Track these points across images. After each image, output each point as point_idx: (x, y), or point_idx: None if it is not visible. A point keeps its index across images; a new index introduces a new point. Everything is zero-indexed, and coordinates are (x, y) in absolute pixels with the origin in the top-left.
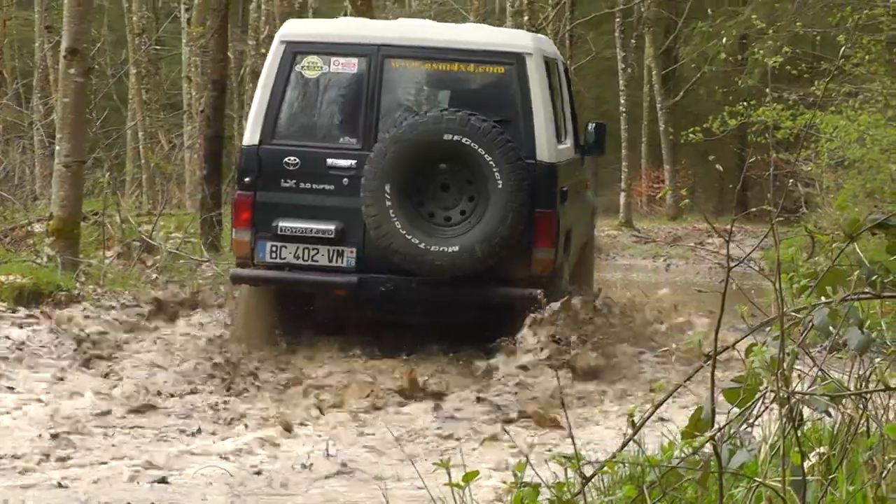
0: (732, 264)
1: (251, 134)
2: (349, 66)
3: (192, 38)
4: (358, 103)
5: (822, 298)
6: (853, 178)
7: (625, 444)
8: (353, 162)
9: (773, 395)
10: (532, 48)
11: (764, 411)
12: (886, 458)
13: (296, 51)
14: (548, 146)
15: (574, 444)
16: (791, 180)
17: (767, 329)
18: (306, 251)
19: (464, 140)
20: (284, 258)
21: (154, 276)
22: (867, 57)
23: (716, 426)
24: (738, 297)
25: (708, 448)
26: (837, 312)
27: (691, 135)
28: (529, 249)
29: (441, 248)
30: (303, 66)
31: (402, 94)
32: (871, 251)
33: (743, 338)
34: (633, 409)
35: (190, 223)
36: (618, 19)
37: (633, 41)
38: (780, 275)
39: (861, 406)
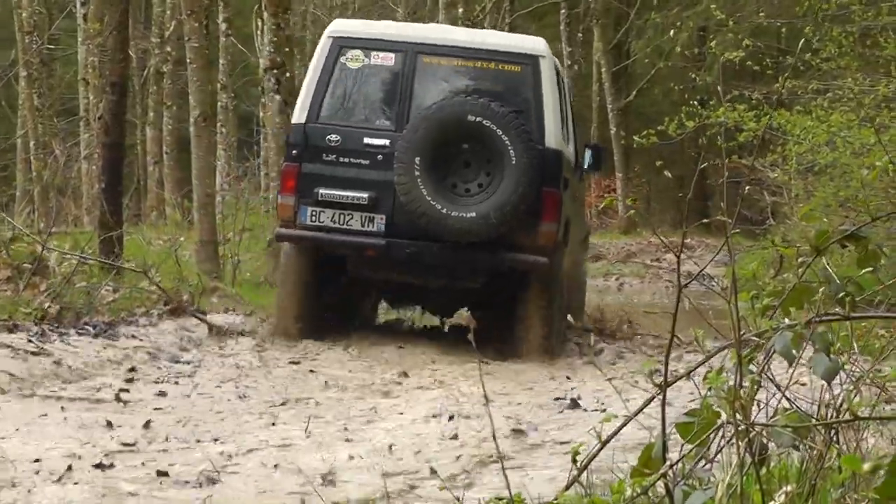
0: (684, 282)
1: (300, 113)
2: (387, 59)
3: (88, 35)
4: (393, 92)
5: (787, 320)
6: (825, 186)
7: (569, 486)
8: (387, 141)
9: (732, 427)
10: (545, 52)
11: (724, 446)
12: (859, 495)
13: (341, 45)
14: (555, 135)
15: (509, 488)
16: (756, 188)
17: (726, 354)
18: (342, 216)
19: (484, 122)
20: (323, 222)
21: (46, 304)
22: (837, 50)
23: (668, 463)
24: (699, 318)
25: (661, 487)
26: (802, 336)
27: (645, 139)
28: (536, 223)
29: (460, 214)
30: (347, 59)
31: (431, 86)
32: (845, 266)
33: (698, 365)
34: (576, 448)
35: (87, 242)
36: (563, 10)
37: (579, 35)
38: (735, 293)
39: (830, 439)
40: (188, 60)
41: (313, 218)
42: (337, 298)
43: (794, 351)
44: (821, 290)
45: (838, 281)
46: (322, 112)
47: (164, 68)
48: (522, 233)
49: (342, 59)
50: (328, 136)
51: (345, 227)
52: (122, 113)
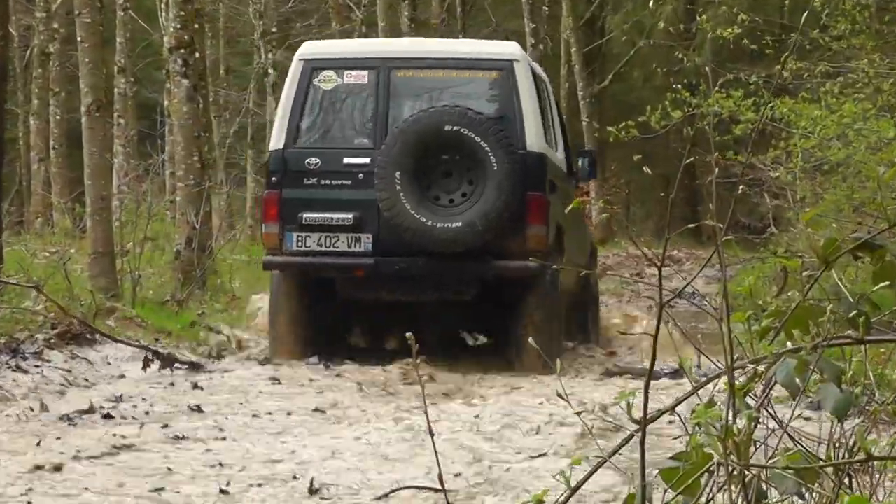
0: (667, 298)
1: (276, 139)
2: (361, 77)
3: None
4: (369, 109)
5: (790, 344)
6: (836, 187)
7: None
8: (367, 159)
9: (725, 471)
10: (519, 56)
11: (716, 493)
12: None
13: (313, 66)
14: (536, 138)
15: None
16: (754, 190)
17: (718, 385)
18: (328, 239)
19: (462, 130)
20: (309, 246)
21: None
22: (851, 27)
23: None
24: (687, 343)
25: None
26: (807, 363)
27: (622, 131)
28: (523, 227)
29: (446, 225)
30: (320, 80)
31: (407, 100)
32: (860, 281)
33: (685, 398)
34: (540, 496)
35: None
36: None
37: (545, 8)
38: (728, 313)
39: (840, 483)
40: (79, 39)
41: (299, 243)
42: (330, 321)
43: (798, 381)
44: (830, 309)
45: (851, 298)
46: (299, 136)
47: (51, 48)
48: (510, 239)
49: (315, 81)
50: (307, 160)
51: (332, 249)
52: (2, 100)
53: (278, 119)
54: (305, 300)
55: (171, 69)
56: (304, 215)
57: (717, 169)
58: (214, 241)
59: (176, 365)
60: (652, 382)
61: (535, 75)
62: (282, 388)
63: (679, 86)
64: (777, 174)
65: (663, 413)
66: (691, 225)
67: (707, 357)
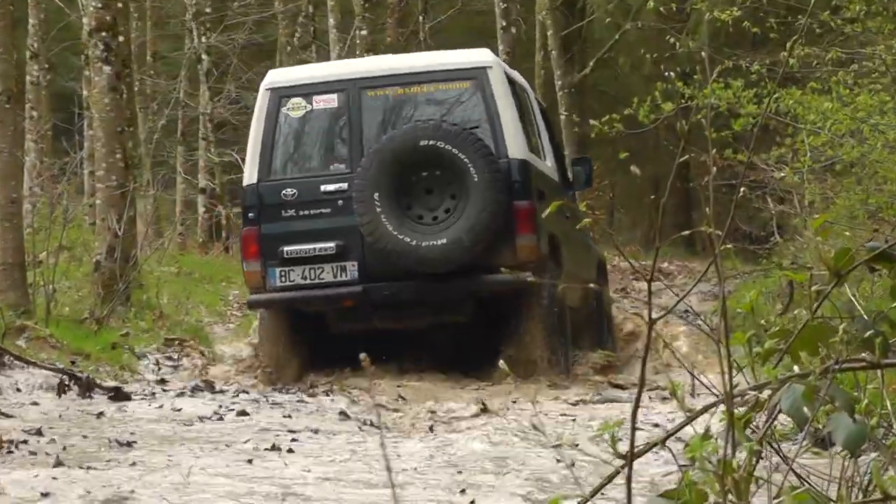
0: (656, 316)
1: (249, 174)
2: (330, 101)
3: None
4: (342, 133)
5: (797, 368)
6: (849, 190)
7: None
8: (345, 185)
9: None
10: (492, 62)
11: None
12: None
13: (281, 95)
14: (518, 145)
15: None
16: (756, 193)
17: (715, 414)
18: (312, 271)
19: (438, 144)
20: (293, 280)
21: None
22: (865, 8)
23: None
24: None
25: None
26: (817, 389)
27: (606, 126)
28: (512, 238)
29: (431, 243)
30: (289, 108)
31: (379, 119)
32: (878, 298)
33: (676, 429)
34: None
35: None
36: None
37: None
38: (727, 333)
39: None
40: None
41: (283, 278)
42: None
43: (805, 410)
44: (842, 328)
45: (866, 316)
46: (273, 167)
47: None
48: (499, 252)
49: (284, 110)
50: (283, 192)
51: (317, 281)
52: None
53: (249, 153)
54: (294, 335)
55: (91, 54)
56: (286, 249)
57: (713, 169)
58: (139, 251)
59: (98, 391)
60: (641, 412)
61: (511, 81)
62: (221, 425)
63: (671, 74)
64: (782, 175)
65: (652, 447)
66: (684, 233)
67: (702, 383)
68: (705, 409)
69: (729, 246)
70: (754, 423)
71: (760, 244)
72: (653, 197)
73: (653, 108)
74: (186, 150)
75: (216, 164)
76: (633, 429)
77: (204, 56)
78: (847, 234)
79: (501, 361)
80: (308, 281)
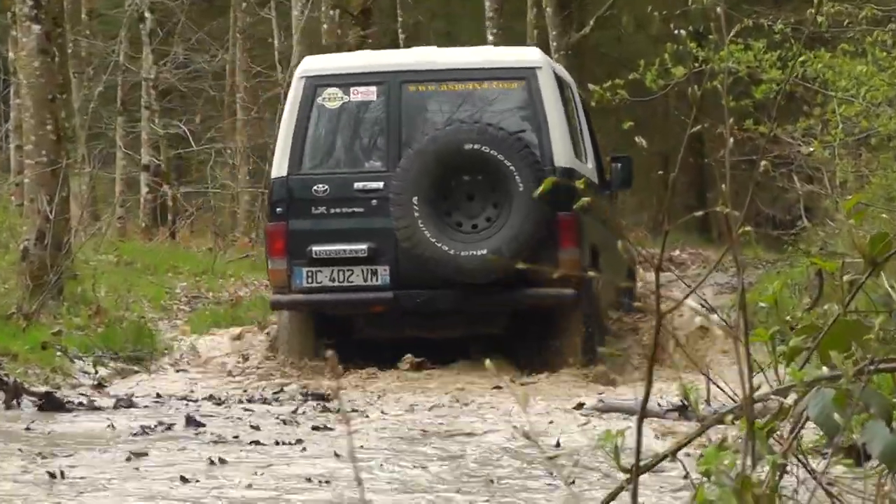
0: (665, 309)
1: (279, 166)
2: (368, 94)
3: None
4: (380, 128)
5: (826, 369)
6: (887, 167)
7: None
8: (380, 184)
9: None
10: (542, 62)
11: None
12: None
13: (316, 84)
14: (565, 152)
15: None
16: (781, 171)
17: (731, 424)
18: (341, 273)
19: (483, 148)
20: (321, 282)
21: None
22: None
23: None
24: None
25: None
26: (849, 394)
27: (608, 92)
28: (555, 252)
29: (470, 253)
30: (324, 98)
31: (420, 117)
32: None
33: (689, 440)
34: None
35: None
36: None
37: None
38: (745, 331)
39: None
40: None
41: (310, 279)
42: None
43: (836, 417)
44: (878, 323)
45: None
46: (304, 161)
47: None
48: (541, 265)
49: (319, 100)
50: (314, 187)
51: (346, 284)
52: None
53: (280, 143)
54: (317, 339)
55: (18, 12)
56: (314, 248)
57: (730, 142)
58: (73, 237)
59: (27, 398)
60: (649, 420)
61: (559, 81)
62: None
63: (682, 34)
64: (810, 150)
65: (661, 459)
66: (696, 213)
67: (718, 386)
68: (720, 417)
69: (748, 229)
70: (778, 433)
71: (785, 229)
72: (660, 172)
73: (661, 73)
74: (127, 122)
75: (161, 136)
76: (639, 438)
77: (147, 14)
78: (884, 216)
79: (488, 361)
80: (336, 283)
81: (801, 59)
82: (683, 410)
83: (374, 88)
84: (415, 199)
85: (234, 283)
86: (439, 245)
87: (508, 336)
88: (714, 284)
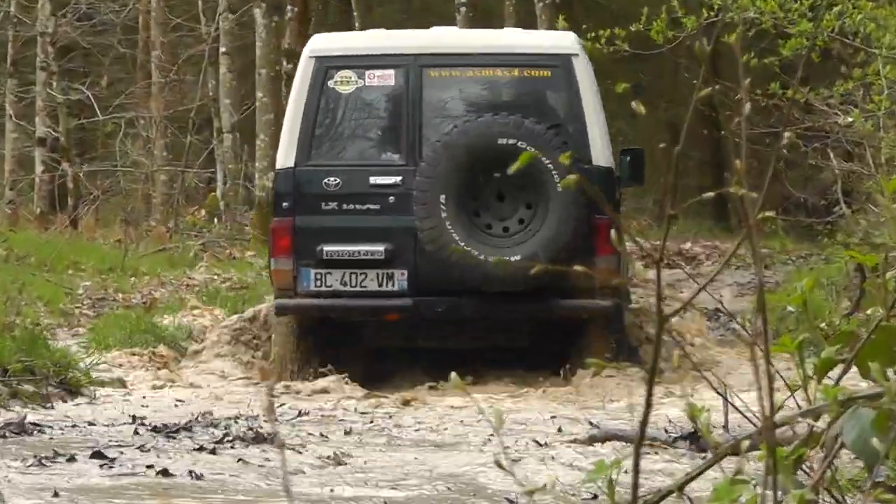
0: (668, 311)
1: (285, 156)
2: (386, 78)
3: None
4: (398, 117)
5: (866, 385)
6: None
7: None
8: (398, 178)
9: None
10: (578, 49)
11: None
12: None
13: (328, 65)
14: (603, 149)
15: None
16: (813, 146)
17: (749, 453)
18: (354, 276)
19: (519, 143)
20: (330, 285)
21: None
22: None
23: None
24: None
25: None
26: (891, 416)
27: (605, 47)
28: (592, 259)
29: (502, 259)
30: (336, 82)
31: (443, 105)
32: None
33: (700, 471)
34: None
35: None
36: None
37: None
38: (766, 339)
39: None
40: None
41: (318, 282)
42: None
43: (877, 443)
44: None
45: None
46: (313, 151)
47: None
48: (574, 273)
49: (330, 83)
50: (325, 180)
51: (359, 289)
52: None
53: (286, 131)
54: (319, 347)
55: None
56: (325, 248)
57: (747, 107)
58: None
59: None
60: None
61: (595, 70)
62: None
63: None
64: (849, 120)
65: (665, 496)
66: (706, 195)
67: (734, 406)
68: (736, 444)
69: (769, 214)
70: (807, 463)
71: (819, 216)
72: (662, 146)
73: (669, 24)
74: (19, 86)
75: (60, 104)
76: (636, 470)
77: None
78: None
79: (453, 374)
80: (348, 288)
81: (836, 8)
82: (695, 437)
83: (391, 72)
84: (442, 198)
85: (149, 282)
86: (468, 249)
87: (530, 349)
88: (734, 284)
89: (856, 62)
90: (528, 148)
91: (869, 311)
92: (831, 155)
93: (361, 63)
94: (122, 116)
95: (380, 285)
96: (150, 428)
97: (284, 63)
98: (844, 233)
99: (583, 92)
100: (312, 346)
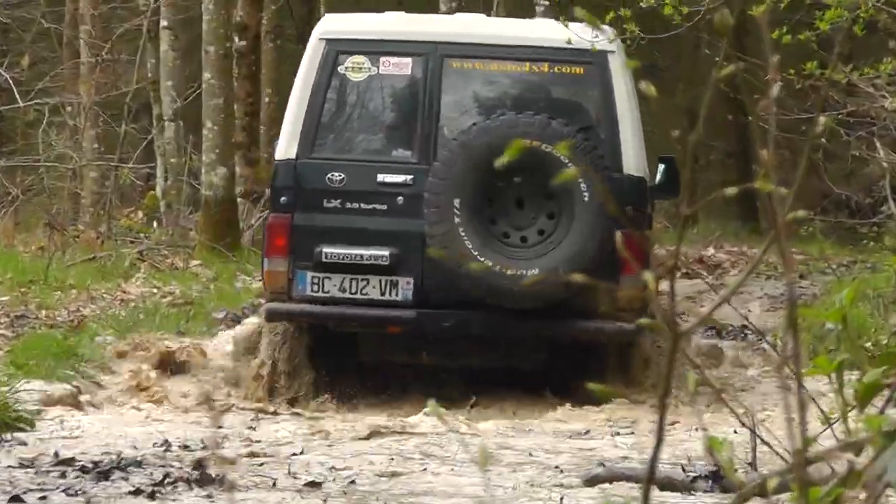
0: (684, 328)
1: (286, 147)
2: (402, 67)
3: None
4: (413, 110)
5: None
6: None
7: None
8: (409, 178)
9: None
10: (615, 46)
11: None
12: None
13: (339, 49)
14: (636, 158)
15: None
16: (855, 135)
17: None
18: (354, 283)
19: (544, 147)
20: (328, 291)
21: None
22: None
23: None
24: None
25: None
26: None
27: (612, 26)
28: (616, 278)
29: (519, 272)
30: (347, 68)
31: (464, 100)
32: None
33: None
34: None
35: None
36: None
37: None
38: (798, 361)
39: None
40: None
41: (315, 287)
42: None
43: None
44: None
45: None
46: (318, 142)
47: None
48: (598, 292)
49: (341, 69)
50: (329, 175)
51: (359, 296)
52: None
53: (289, 119)
54: (310, 359)
55: None
56: (324, 249)
57: (776, 88)
58: None
59: None
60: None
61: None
62: None
63: None
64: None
65: None
66: (727, 191)
67: (762, 440)
68: (762, 483)
69: (803, 213)
70: None
71: (864, 217)
72: (676, 133)
73: None
74: None
75: None
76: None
77: None
78: None
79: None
80: (347, 294)
81: None
82: (717, 476)
83: (409, 60)
84: (456, 202)
85: (77, 297)
86: (483, 259)
87: (543, 371)
88: (764, 297)
89: None
90: (553, 152)
91: None
92: (878, 145)
93: (376, 49)
94: (45, 102)
95: (382, 294)
96: (78, 468)
97: (236, 39)
98: (893, 236)
99: (617, 93)
100: (305, 357)
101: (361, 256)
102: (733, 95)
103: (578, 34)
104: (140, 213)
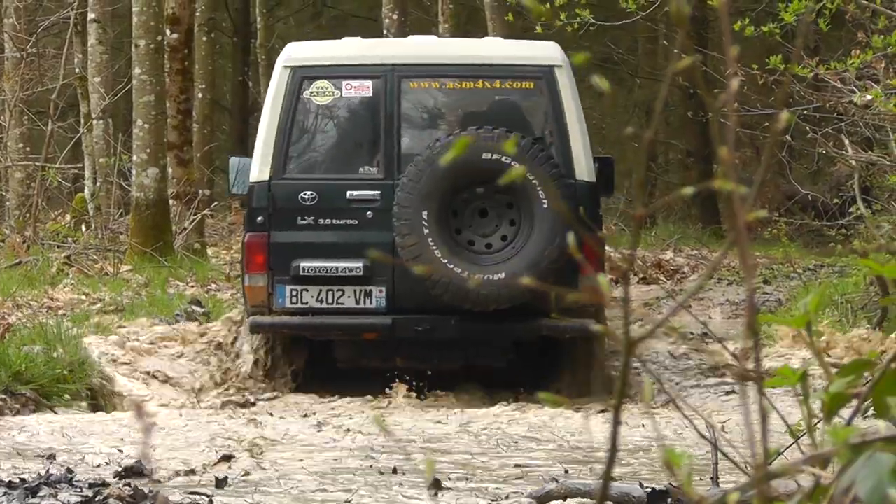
0: (638, 335)
1: (260, 169)
2: (363, 89)
3: None
4: (376, 129)
5: (884, 427)
6: None
7: None
8: (376, 192)
9: None
10: (561, 60)
11: None
12: None
13: (303, 76)
14: (586, 164)
15: None
16: (824, 131)
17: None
18: (330, 294)
19: (503, 159)
20: (306, 302)
21: None
22: None
23: None
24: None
25: None
26: None
27: (561, 17)
28: (576, 278)
29: (487, 277)
30: (312, 93)
31: (422, 117)
32: None
33: None
34: None
35: None
36: None
37: None
38: (759, 372)
39: None
40: None
41: (294, 299)
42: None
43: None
44: None
45: None
46: (289, 164)
47: None
48: (557, 292)
49: (305, 95)
50: (301, 194)
51: (335, 306)
52: None
53: (260, 143)
54: (287, 365)
55: None
56: (301, 264)
57: (735, 83)
58: None
59: None
60: None
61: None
62: None
63: None
64: (867, 99)
65: None
66: (683, 191)
67: (724, 454)
68: (720, 499)
69: (765, 213)
70: None
71: (832, 218)
72: (630, 131)
73: None
74: None
75: None
76: None
77: None
78: None
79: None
80: (324, 305)
81: None
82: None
83: (369, 83)
84: (424, 214)
85: (2, 304)
86: (451, 267)
87: (508, 370)
88: (726, 303)
89: (876, 29)
90: (512, 163)
91: (893, 336)
92: (846, 142)
93: (338, 73)
94: None
95: (357, 303)
96: (5, 484)
97: (168, 32)
98: (862, 238)
99: (566, 104)
100: (282, 362)
101: (336, 269)
102: (692, 91)
103: (525, 50)
104: (68, 216)
